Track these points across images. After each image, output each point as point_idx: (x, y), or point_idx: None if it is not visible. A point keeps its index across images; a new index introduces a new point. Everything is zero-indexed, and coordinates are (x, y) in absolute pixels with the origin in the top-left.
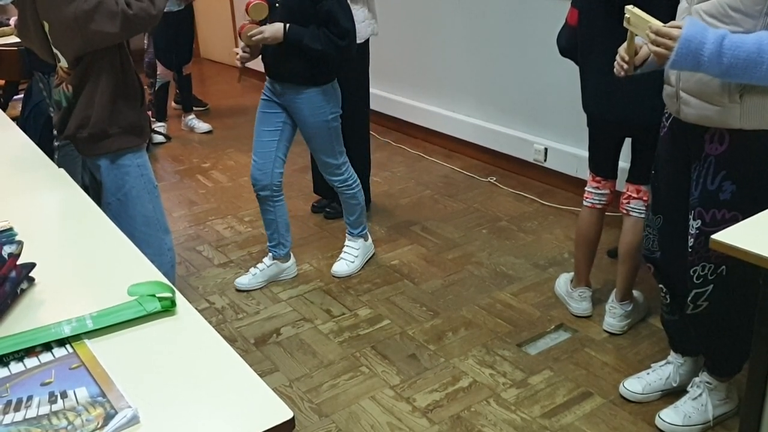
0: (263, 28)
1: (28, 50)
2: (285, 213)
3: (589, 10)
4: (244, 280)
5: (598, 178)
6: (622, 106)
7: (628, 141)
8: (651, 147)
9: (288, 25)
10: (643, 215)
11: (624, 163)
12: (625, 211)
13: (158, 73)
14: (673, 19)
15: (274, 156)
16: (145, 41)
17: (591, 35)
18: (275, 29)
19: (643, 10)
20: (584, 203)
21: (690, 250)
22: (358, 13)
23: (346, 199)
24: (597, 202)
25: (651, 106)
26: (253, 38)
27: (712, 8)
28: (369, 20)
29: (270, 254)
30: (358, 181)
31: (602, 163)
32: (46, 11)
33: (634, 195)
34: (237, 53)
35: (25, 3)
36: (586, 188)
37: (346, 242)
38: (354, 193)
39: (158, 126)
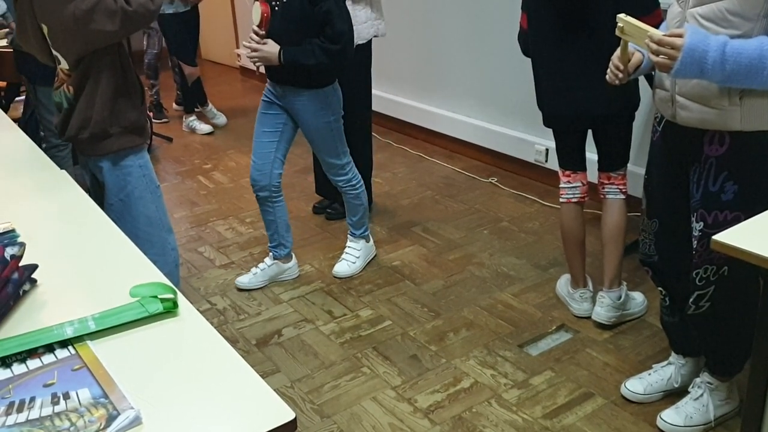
0: (261, 46)
1: (17, 53)
2: (285, 214)
3: (536, 12)
4: (244, 279)
5: (567, 173)
6: (577, 100)
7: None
8: (612, 136)
9: (282, 50)
10: (619, 196)
11: (592, 155)
12: (602, 196)
13: (187, 73)
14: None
15: (273, 157)
16: (144, 42)
17: (540, 36)
18: (270, 53)
19: (592, 15)
20: (560, 200)
21: (694, 252)
22: (360, 14)
23: (350, 200)
24: (572, 196)
25: (606, 97)
26: (248, 46)
27: (709, 12)
28: (372, 21)
29: (271, 254)
30: (362, 181)
31: (568, 157)
32: (44, 14)
33: (606, 181)
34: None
35: (24, 7)
36: (559, 186)
37: (348, 243)
38: (357, 193)
39: (207, 110)
